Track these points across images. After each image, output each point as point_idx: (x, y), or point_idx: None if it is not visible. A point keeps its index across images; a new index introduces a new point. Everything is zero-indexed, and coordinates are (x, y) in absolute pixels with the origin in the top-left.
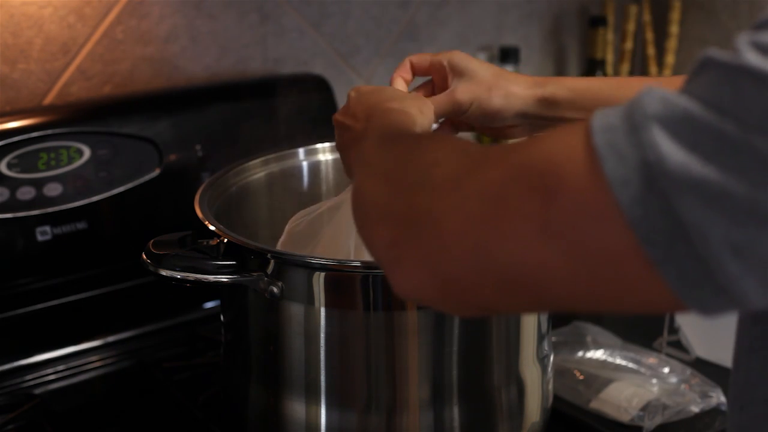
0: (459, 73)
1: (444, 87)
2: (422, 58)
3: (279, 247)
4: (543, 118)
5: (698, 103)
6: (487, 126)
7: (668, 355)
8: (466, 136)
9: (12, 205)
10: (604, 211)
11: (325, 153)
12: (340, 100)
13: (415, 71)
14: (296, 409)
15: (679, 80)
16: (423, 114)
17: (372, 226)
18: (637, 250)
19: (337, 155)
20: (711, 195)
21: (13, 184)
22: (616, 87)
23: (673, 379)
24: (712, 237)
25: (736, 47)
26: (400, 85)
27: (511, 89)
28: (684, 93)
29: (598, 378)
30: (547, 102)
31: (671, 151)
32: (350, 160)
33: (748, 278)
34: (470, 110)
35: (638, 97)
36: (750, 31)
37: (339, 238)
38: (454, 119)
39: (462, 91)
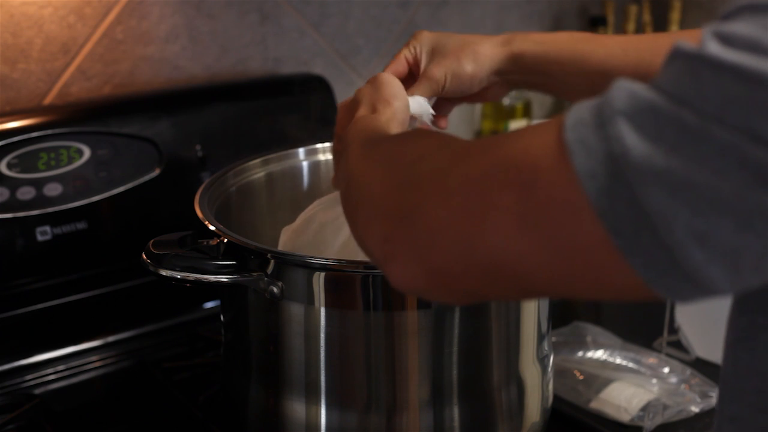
0: (430, 53)
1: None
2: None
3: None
4: (517, 73)
5: (662, 95)
6: (468, 93)
7: (668, 355)
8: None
9: (12, 205)
10: (575, 203)
11: (325, 153)
12: (340, 100)
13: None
14: (296, 409)
15: (664, 37)
16: (395, 100)
17: (365, 225)
18: (606, 240)
19: None
20: (673, 184)
21: (13, 184)
22: (580, 39)
23: (673, 379)
24: (675, 226)
25: (701, 38)
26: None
27: (478, 51)
28: (651, 86)
29: (598, 378)
30: (516, 58)
31: (635, 143)
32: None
33: (712, 265)
34: (447, 83)
35: (608, 92)
36: (715, 22)
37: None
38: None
39: (433, 69)
